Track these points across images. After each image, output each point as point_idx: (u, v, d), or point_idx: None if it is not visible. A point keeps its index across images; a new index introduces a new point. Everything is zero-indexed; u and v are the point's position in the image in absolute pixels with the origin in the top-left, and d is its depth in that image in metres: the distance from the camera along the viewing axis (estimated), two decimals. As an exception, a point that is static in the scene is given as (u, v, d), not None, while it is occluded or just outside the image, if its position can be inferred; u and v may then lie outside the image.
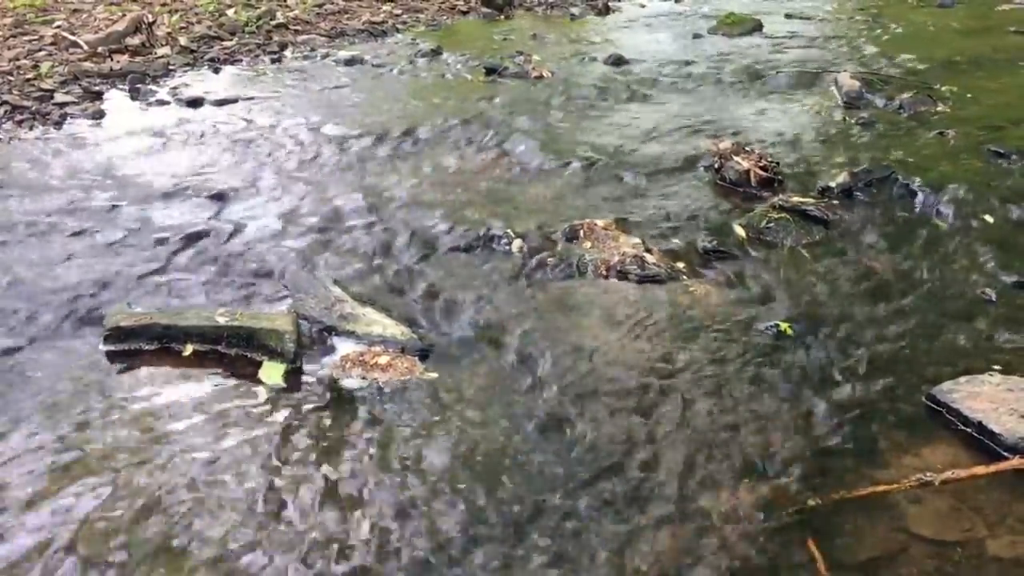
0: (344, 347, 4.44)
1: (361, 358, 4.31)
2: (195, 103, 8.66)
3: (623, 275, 5.07)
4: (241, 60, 10.61)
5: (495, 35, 12.50)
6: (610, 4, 14.95)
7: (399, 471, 3.57)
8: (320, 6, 13.38)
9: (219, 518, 3.31)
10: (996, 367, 4.18)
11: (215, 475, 3.54)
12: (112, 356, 4.37)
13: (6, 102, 8.18)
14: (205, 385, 4.14)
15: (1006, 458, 3.61)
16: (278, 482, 3.50)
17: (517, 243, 5.44)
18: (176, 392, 4.08)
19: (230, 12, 12.21)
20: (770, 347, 4.43)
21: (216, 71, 10.08)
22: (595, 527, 3.29)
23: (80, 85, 8.98)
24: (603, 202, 6.13)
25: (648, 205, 6.07)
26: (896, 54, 10.40)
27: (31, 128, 7.74)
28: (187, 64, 10.20)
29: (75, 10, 11.89)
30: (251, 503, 3.38)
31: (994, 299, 4.86)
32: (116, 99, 8.78)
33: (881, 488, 3.46)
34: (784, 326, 4.57)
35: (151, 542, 3.20)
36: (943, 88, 8.62)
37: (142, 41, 10.54)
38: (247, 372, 4.23)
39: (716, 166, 6.52)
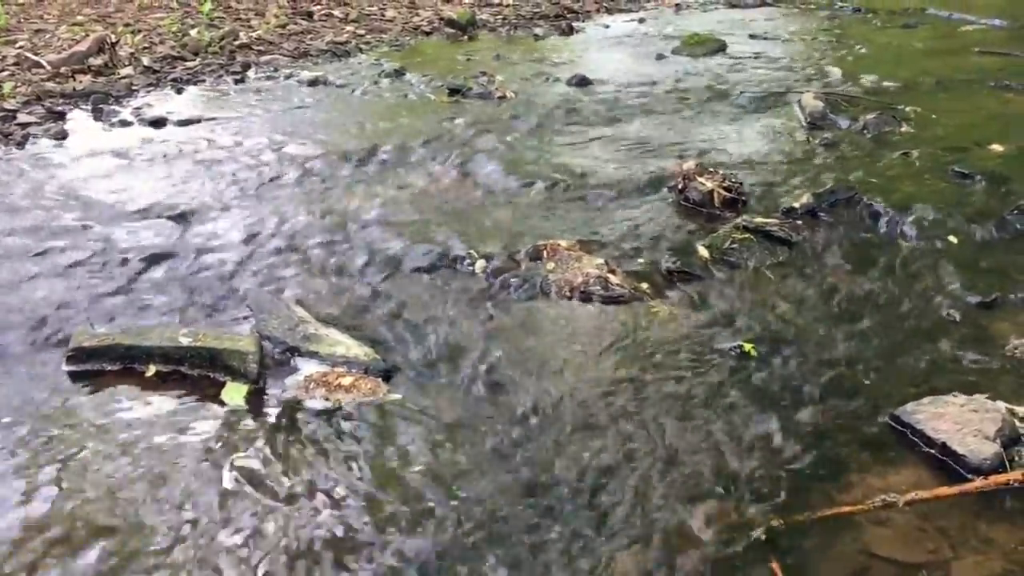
0: (307, 368, 4.41)
1: (324, 379, 4.29)
2: (158, 123, 8.61)
3: (587, 296, 5.07)
4: (204, 80, 10.56)
5: (459, 56, 12.50)
6: (574, 25, 15.01)
7: (361, 493, 3.55)
8: (283, 27, 13.36)
9: (176, 541, 3.28)
10: (960, 388, 4.18)
11: (173, 496, 3.50)
12: (75, 376, 4.32)
13: (-32, 122, 8.13)
14: (167, 406, 4.10)
15: (970, 479, 3.61)
16: (237, 504, 3.47)
17: (480, 264, 5.42)
18: (138, 413, 4.04)
19: (193, 32, 12.17)
20: (734, 368, 4.42)
21: (179, 91, 10.03)
22: (555, 550, 3.27)
23: (43, 105, 8.91)
24: (566, 223, 6.12)
25: (611, 226, 6.06)
26: (860, 75, 10.47)
27: (-8, 148, 7.70)
28: (150, 84, 10.15)
29: (38, 30, 11.83)
30: (208, 525, 3.35)
31: (958, 320, 4.88)
32: (79, 119, 8.72)
33: (845, 509, 3.46)
34: (748, 347, 4.57)
35: (102, 565, 3.17)
36: (907, 109, 8.67)
37: (105, 61, 10.49)
38: (210, 393, 4.20)
39: (679, 187, 6.52)
